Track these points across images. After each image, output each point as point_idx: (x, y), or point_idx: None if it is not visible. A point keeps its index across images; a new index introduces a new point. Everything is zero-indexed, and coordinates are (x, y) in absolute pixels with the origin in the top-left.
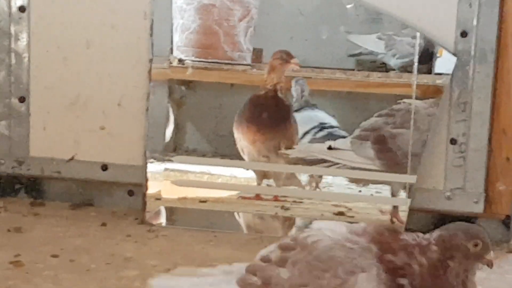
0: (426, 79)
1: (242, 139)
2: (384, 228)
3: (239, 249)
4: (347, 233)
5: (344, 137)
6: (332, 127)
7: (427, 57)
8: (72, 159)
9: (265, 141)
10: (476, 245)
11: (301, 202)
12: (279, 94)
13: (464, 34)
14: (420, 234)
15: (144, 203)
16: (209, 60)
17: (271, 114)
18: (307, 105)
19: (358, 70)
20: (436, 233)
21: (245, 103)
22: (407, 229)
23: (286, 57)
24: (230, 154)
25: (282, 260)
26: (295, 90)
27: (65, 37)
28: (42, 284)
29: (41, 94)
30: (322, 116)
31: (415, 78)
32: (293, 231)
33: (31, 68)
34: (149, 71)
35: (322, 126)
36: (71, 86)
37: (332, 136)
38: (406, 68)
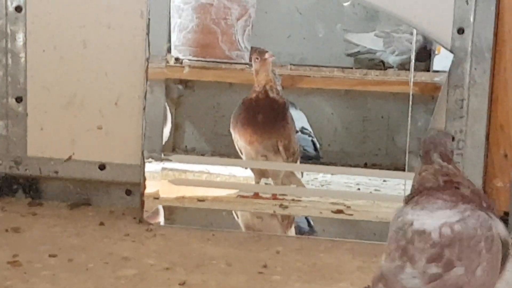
0: (424, 76)
1: (239, 140)
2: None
3: (237, 247)
4: (445, 208)
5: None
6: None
7: (425, 54)
8: (69, 158)
9: (263, 141)
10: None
11: (299, 201)
12: (271, 94)
13: (461, 31)
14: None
15: (142, 203)
16: (207, 59)
17: (266, 115)
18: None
19: (356, 68)
20: (435, 157)
21: (238, 106)
22: None
23: (260, 55)
24: (228, 153)
25: (448, 265)
26: None
27: (62, 37)
28: (40, 284)
29: (38, 94)
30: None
31: (412, 76)
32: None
33: (27, 68)
34: (146, 70)
35: None
36: (68, 86)
37: None
38: (404, 66)
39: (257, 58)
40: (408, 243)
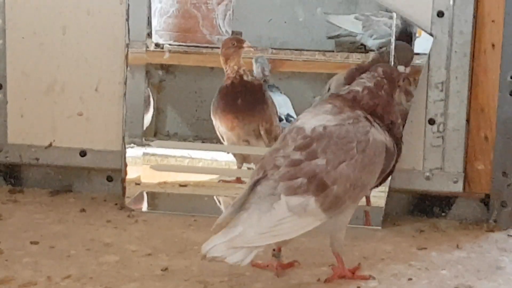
0: None
1: (221, 126)
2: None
3: None
4: (329, 114)
5: None
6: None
7: (405, 37)
8: (50, 145)
9: (244, 126)
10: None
11: None
12: (246, 78)
13: (440, 14)
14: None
15: (124, 189)
16: (188, 44)
17: (245, 100)
18: (267, 84)
19: (338, 52)
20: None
21: (216, 94)
22: (386, 211)
23: (237, 43)
24: (210, 137)
25: (312, 154)
26: (255, 68)
27: (41, 23)
28: (22, 271)
29: (18, 80)
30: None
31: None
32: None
33: (7, 54)
34: (126, 56)
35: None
36: (48, 72)
37: None
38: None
39: (233, 44)
40: (287, 133)
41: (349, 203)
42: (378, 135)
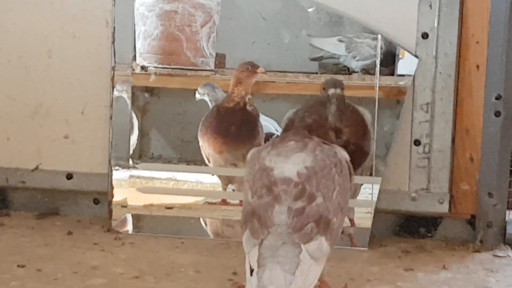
0: (388, 81)
1: (208, 148)
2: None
3: (206, 255)
4: (298, 151)
5: None
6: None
7: (389, 59)
8: (36, 168)
9: (233, 151)
10: None
11: None
12: (248, 108)
13: (425, 35)
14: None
15: (110, 211)
16: (172, 67)
17: (239, 128)
18: None
19: (321, 73)
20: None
21: (211, 112)
22: (372, 232)
23: (252, 68)
24: (195, 160)
25: (311, 196)
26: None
27: (26, 47)
28: None
29: (3, 104)
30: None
31: (377, 80)
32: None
33: None
34: (112, 79)
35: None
36: (34, 96)
37: None
38: (368, 71)
39: (248, 68)
40: (272, 185)
41: (339, 230)
42: (342, 151)
